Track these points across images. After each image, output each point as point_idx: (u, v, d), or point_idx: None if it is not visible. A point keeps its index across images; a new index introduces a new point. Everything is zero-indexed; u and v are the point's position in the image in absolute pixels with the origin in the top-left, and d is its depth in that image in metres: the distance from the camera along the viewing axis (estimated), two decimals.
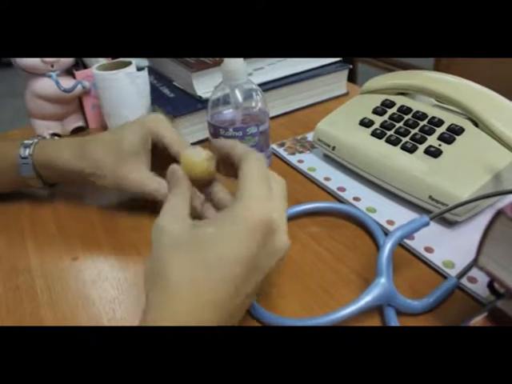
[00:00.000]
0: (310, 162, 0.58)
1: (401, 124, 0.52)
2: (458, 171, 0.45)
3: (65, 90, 0.65)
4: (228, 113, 0.54)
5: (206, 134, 0.59)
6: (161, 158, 0.47)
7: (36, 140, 0.51)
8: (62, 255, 0.47)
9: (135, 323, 0.30)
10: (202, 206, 0.40)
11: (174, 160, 0.43)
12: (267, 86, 0.67)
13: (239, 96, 0.53)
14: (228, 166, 0.37)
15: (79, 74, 0.67)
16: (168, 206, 0.34)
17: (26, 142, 0.50)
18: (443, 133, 0.48)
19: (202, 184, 0.39)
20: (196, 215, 0.37)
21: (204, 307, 0.30)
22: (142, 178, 0.47)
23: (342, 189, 0.52)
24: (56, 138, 0.56)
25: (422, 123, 0.50)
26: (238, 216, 0.31)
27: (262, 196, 0.32)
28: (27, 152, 0.49)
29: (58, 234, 0.50)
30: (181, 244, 0.31)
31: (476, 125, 0.48)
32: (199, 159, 0.37)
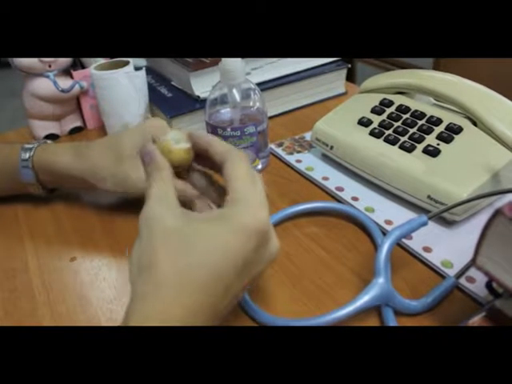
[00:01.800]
0: (309, 162, 0.57)
1: (399, 123, 0.52)
2: (457, 170, 0.45)
3: (62, 90, 0.65)
4: (226, 112, 0.54)
5: None
6: None
7: (36, 144, 0.50)
8: (59, 256, 0.47)
9: None
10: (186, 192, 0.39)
11: None
12: (265, 86, 0.67)
13: (237, 95, 0.53)
14: (204, 158, 0.36)
15: (77, 73, 0.67)
16: (156, 193, 0.33)
17: (26, 145, 0.50)
18: (442, 132, 0.48)
19: (180, 173, 0.38)
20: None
21: (191, 306, 0.29)
22: (143, 180, 0.46)
23: (340, 188, 0.52)
24: (55, 142, 0.55)
25: (420, 122, 0.50)
26: (236, 222, 0.31)
27: (257, 203, 0.32)
28: (27, 155, 0.49)
29: (56, 234, 0.50)
30: (173, 236, 0.30)
31: (475, 124, 0.48)
32: (177, 148, 0.36)
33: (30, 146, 0.50)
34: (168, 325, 0.28)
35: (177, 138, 0.36)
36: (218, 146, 0.36)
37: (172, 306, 0.29)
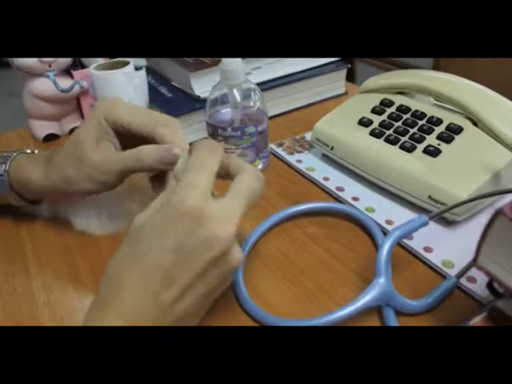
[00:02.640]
0: (309, 162, 0.57)
1: (399, 123, 0.52)
2: (457, 171, 0.45)
3: (63, 90, 0.65)
4: (226, 112, 0.54)
5: (204, 134, 0.58)
6: (131, 139, 0.44)
7: (14, 154, 0.48)
8: (59, 257, 0.47)
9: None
10: None
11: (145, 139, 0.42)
12: (265, 86, 0.67)
13: (237, 96, 0.53)
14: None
15: (77, 73, 0.67)
16: (150, 206, 0.35)
17: (4, 154, 0.48)
18: (442, 132, 0.48)
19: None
20: None
21: (132, 294, 0.31)
22: (110, 158, 0.43)
23: (340, 189, 0.52)
24: (33, 152, 0.50)
25: (420, 122, 0.50)
26: (166, 205, 0.32)
27: (193, 184, 0.32)
28: (3, 168, 0.47)
29: (56, 235, 0.49)
30: (130, 236, 0.33)
31: (475, 124, 0.48)
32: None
33: (8, 155, 0.47)
34: (118, 314, 0.30)
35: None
36: (233, 160, 0.37)
37: (116, 293, 0.31)
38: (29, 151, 0.50)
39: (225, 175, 0.37)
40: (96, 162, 0.42)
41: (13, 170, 0.47)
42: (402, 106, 0.53)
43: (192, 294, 0.32)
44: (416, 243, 0.43)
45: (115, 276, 0.32)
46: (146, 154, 0.41)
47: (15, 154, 0.48)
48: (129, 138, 0.43)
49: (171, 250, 0.31)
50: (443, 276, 0.40)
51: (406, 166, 0.47)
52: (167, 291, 0.31)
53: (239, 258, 0.34)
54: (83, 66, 0.70)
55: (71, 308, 0.41)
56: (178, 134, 0.42)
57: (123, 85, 0.60)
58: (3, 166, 0.47)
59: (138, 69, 0.62)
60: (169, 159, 0.39)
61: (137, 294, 0.31)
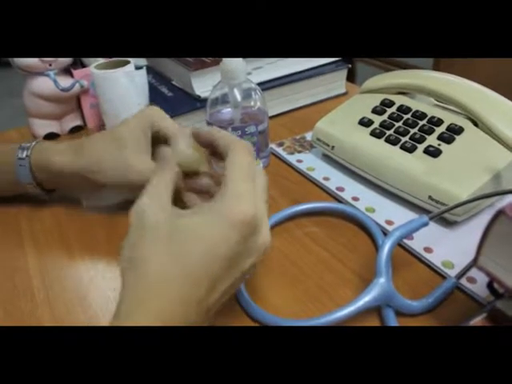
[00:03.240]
0: (309, 162, 0.57)
1: (400, 123, 0.52)
2: (458, 171, 0.45)
3: (63, 89, 0.64)
4: (227, 112, 0.54)
5: None
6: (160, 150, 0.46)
7: (34, 143, 0.50)
8: (59, 255, 0.47)
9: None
10: (186, 194, 0.40)
11: None
12: (266, 86, 0.67)
13: (238, 95, 0.53)
14: (217, 156, 0.37)
15: (77, 72, 0.67)
16: (151, 190, 0.33)
17: (23, 144, 0.49)
18: (443, 132, 0.48)
19: (190, 175, 0.40)
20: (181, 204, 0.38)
21: (178, 303, 0.29)
22: (145, 166, 0.44)
23: (341, 189, 0.52)
24: (55, 141, 0.54)
25: (421, 123, 0.50)
26: (221, 214, 0.31)
27: (246, 194, 0.32)
28: (24, 154, 0.48)
29: (56, 233, 0.49)
30: (161, 234, 0.31)
31: (476, 124, 0.48)
32: (188, 153, 0.37)
33: (28, 144, 0.49)
34: (157, 319, 0.28)
35: (188, 143, 0.38)
36: (220, 139, 0.36)
37: (160, 299, 0.29)
38: (46, 141, 0.52)
39: (211, 150, 0.37)
40: (135, 164, 0.44)
41: (36, 153, 0.48)
42: (402, 106, 0.53)
43: (226, 295, 0.32)
44: (416, 243, 0.43)
45: (156, 279, 0.30)
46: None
47: (34, 142, 0.50)
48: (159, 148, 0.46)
49: (222, 259, 0.30)
50: (443, 276, 0.40)
51: (407, 166, 0.47)
52: (210, 297, 0.30)
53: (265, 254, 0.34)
54: (83, 65, 0.70)
55: (70, 306, 0.41)
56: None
57: (124, 84, 0.60)
58: (25, 152, 0.48)
59: (138, 68, 0.62)
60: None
61: (181, 301, 0.29)
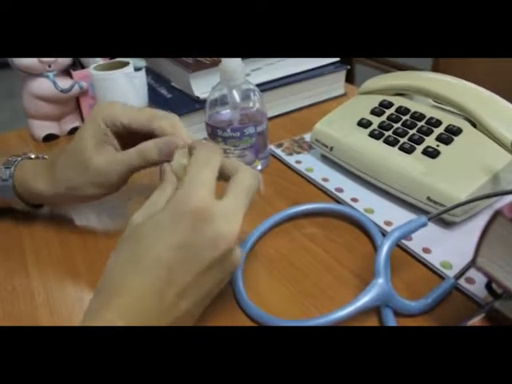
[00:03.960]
0: (308, 163, 0.57)
1: (399, 125, 0.52)
2: (456, 172, 0.45)
3: (62, 91, 0.65)
4: (226, 113, 0.54)
5: (204, 135, 0.58)
6: (131, 138, 0.44)
7: (19, 159, 0.48)
8: (58, 256, 0.47)
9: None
10: None
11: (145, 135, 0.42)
12: (265, 87, 0.67)
13: (237, 96, 0.53)
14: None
15: (76, 74, 0.67)
16: (147, 202, 0.35)
17: (10, 159, 0.48)
18: (441, 133, 0.48)
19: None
20: None
21: (136, 289, 0.31)
22: (117, 158, 0.42)
23: (339, 189, 0.52)
24: (37, 157, 0.50)
25: (419, 124, 0.50)
26: (170, 203, 0.32)
27: (198, 182, 0.33)
28: (8, 173, 0.46)
29: (56, 234, 0.49)
30: (133, 231, 0.33)
31: (474, 125, 0.48)
32: (183, 163, 0.37)
33: (13, 160, 0.47)
34: (120, 315, 0.30)
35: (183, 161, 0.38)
36: (229, 164, 0.37)
37: (120, 296, 0.31)
38: (33, 156, 0.50)
39: (220, 176, 0.36)
40: (99, 166, 0.42)
41: (17, 176, 0.47)
42: (401, 107, 0.53)
43: (194, 293, 0.32)
44: (415, 244, 0.43)
45: (115, 276, 0.32)
46: (148, 149, 0.41)
47: (19, 158, 0.48)
48: (128, 138, 0.43)
49: (176, 247, 0.31)
50: (442, 277, 0.40)
51: (405, 167, 0.48)
52: (171, 287, 0.31)
53: (239, 258, 0.34)
54: (83, 67, 0.70)
55: (71, 307, 0.41)
56: (178, 127, 0.42)
57: (123, 85, 0.60)
58: (7, 172, 0.47)
59: (137, 69, 0.62)
60: (169, 151, 0.39)
61: (139, 293, 0.30)
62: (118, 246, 0.33)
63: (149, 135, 0.42)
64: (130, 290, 0.31)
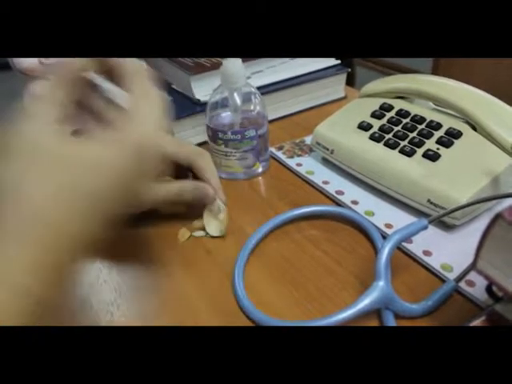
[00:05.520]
0: (309, 166, 0.58)
1: (399, 128, 0.52)
2: (457, 175, 0.45)
3: None
4: (226, 116, 0.54)
5: (204, 137, 0.59)
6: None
7: None
8: None
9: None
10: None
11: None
12: (266, 90, 0.67)
13: (238, 99, 0.53)
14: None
15: None
16: (36, 107, 0.32)
17: None
18: (441, 136, 0.48)
19: None
20: None
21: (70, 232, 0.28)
22: (158, 189, 0.44)
23: (340, 192, 0.52)
24: None
25: (420, 127, 0.51)
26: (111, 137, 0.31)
27: (142, 116, 0.33)
28: None
29: None
30: (45, 156, 0.29)
31: (474, 129, 0.48)
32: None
33: None
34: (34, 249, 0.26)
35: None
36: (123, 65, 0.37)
37: (35, 228, 0.27)
38: None
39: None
40: (140, 191, 0.42)
41: None
42: (401, 110, 0.53)
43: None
44: (415, 247, 0.43)
45: (38, 206, 0.27)
46: (187, 190, 0.45)
47: None
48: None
49: (111, 182, 0.30)
50: (442, 280, 0.40)
51: (406, 170, 0.48)
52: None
53: None
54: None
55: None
56: (211, 166, 0.48)
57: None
58: None
59: None
60: (200, 198, 0.45)
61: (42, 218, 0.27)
62: (16, 166, 0.28)
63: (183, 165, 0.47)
64: (45, 222, 0.27)
